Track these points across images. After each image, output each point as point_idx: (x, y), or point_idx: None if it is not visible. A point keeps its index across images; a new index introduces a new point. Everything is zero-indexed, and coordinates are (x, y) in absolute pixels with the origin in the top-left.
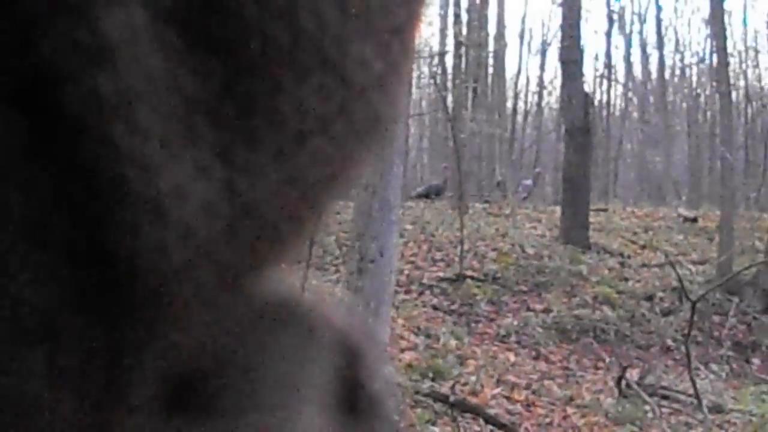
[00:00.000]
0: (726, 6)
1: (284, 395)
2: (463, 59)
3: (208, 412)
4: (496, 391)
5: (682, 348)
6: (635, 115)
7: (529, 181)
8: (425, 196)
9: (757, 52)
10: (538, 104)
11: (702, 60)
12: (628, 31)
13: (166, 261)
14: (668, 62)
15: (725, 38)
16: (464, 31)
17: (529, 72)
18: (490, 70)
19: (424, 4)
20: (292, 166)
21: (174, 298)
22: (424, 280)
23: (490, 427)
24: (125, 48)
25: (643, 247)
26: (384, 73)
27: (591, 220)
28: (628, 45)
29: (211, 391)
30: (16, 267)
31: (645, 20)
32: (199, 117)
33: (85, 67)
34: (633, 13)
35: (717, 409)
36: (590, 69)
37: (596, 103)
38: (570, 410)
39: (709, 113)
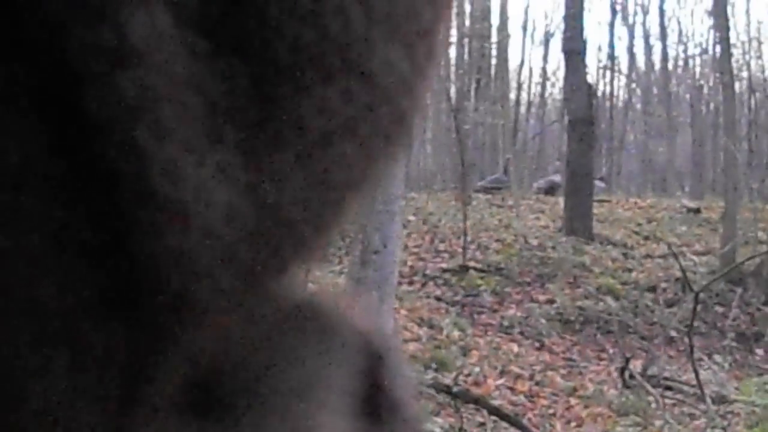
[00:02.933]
0: None
1: (306, 399)
2: (466, 50)
3: (230, 416)
4: (500, 382)
5: (686, 339)
6: (638, 106)
7: (557, 177)
8: (493, 188)
9: (760, 42)
10: (542, 95)
11: (705, 51)
12: (631, 21)
13: (189, 264)
14: (671, 53)
15: (728, 29)
16: (467, 22)
17: (532, 63)
18: (493, 61)
19: (450, 6)
20: (317, 168)
21: (196, 302)
22: (428, 271)
23: (493, 417)
24: (149, 50)
25: (647, 237)
26: (409, 75)
27: (594, 210)
28: (631, 36)
29: (232, 395)
30: (38, 270)
31: (648, 11)
32: (223, 119)
33: (109, 70)
34: (636, 3)
35: (720, 399)
36: (593, 60)
37: (599, 94)
38: (573, 401)
39: (712, 104)
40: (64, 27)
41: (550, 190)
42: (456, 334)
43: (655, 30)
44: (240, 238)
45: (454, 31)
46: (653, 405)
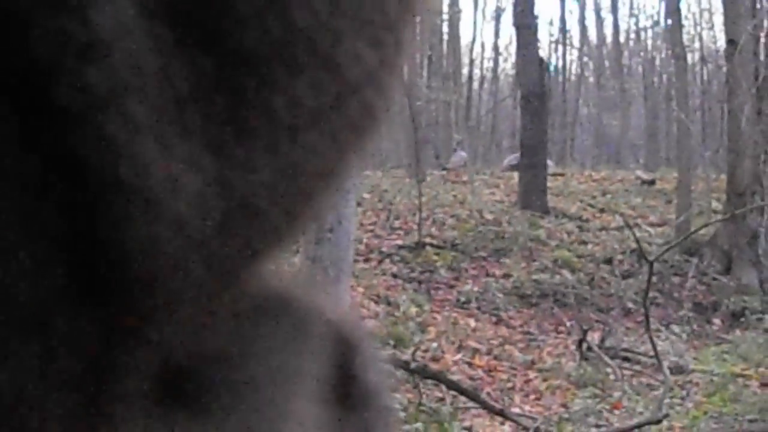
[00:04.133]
0: None
1: (277, 388)
2: (418, 27)
3: (201, 405)
4: (458, 357)
5: (642, 310)
6: (591, 79)
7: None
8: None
9: (711, 14)
10: (494, 70)
11: (656, 23)
12: None
13: (158, 254)
14: (623, 26)
15: (678, 0)
16: None
17: (484, 38)
18: (445, 37)
19: (418, 0)
20: (286, 159)
21: (166, 292)
22: (384, 249)
23: (452, 392)
24: (116, 42)
25: (602, 210)
26: (377, 67)
27: (549, 184)
28: (583, 9)
29: (204, 384)
30: (7, 260)
31: None
32: (191, 111)
33: (76, 61)
34: None
35: (679, 369)
36: (545, 34)
37: (552, 68)
38: (532, 374)
39: (665, 76)
40: (30, 19)
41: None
42: (413, 310)
43: (606, 3)
44: (209, 228)
45: None
46: (611, 376)
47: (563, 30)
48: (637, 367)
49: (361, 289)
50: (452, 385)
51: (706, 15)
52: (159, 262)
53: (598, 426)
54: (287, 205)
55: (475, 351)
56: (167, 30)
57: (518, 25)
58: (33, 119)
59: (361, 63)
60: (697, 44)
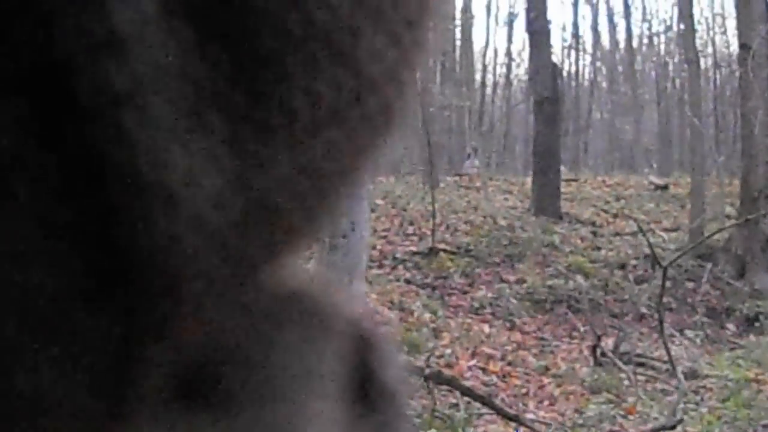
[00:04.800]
0: None
1: (296, 386)
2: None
3: (220, 404)
4: (472, 362)
5: (656, 315)
6: (604, 84)
7: None
8: None
9: (724, 18)
10: (507, 76)
11: (669, 28)
12: (594, 0)
13: (178, 251)
14: (636, 31)
15: (691, 5)
16: None
17: (497, 44)
18: (458, 43)
19: None
20: (305, 157)
21: (186, 289)
22: (397, 255)
23: (466, 398)
24: (136, 38)
25: (615, 215)
26: (396, 65)
27: (562, 190)
28: (595, 14)
29: (222, 383)
30: (28, 258)
31: None
32: (211, 107)
33: (96, 58)
34: None
35: (693, 375)
36: (558, 39)
37: (565, 73)
38: (546, 380)
39: (678, 81)
40: (51, 16)
41: None
42: (427, 316)
43: (618, 8)
44: (228, 225)
45: None
46: (626, 382)
47: (576, 35)
48: (651, 373)
49: (374, 295)
50: (466, 391)
51: (719, 19)
52: (178, 260)
53: None
54: (306, 203)
55: (489, 357)
56: (187, 27)
57: (531, 31)
58: (52, 117)
59: (380, 60)
60: (710, 49)
